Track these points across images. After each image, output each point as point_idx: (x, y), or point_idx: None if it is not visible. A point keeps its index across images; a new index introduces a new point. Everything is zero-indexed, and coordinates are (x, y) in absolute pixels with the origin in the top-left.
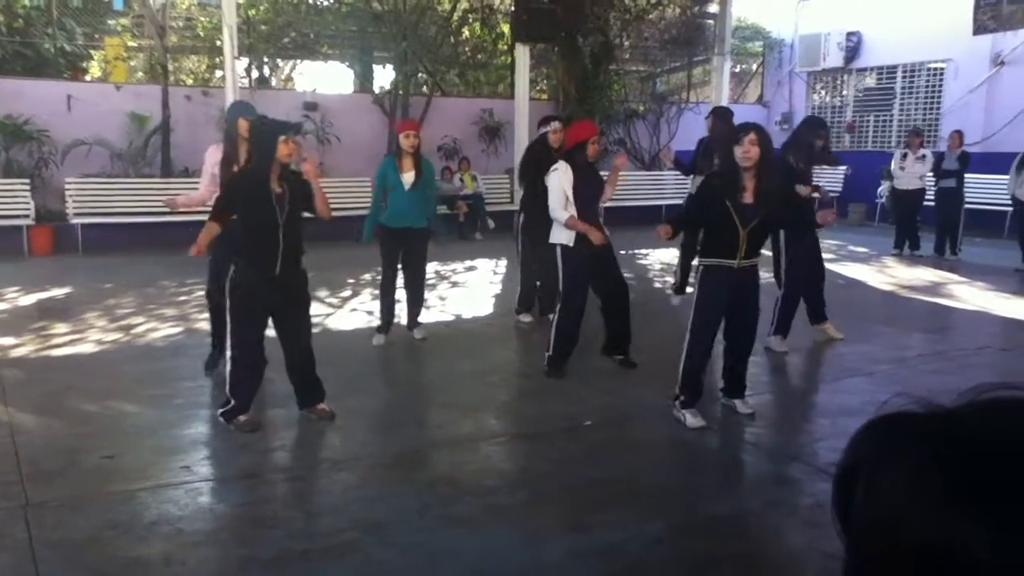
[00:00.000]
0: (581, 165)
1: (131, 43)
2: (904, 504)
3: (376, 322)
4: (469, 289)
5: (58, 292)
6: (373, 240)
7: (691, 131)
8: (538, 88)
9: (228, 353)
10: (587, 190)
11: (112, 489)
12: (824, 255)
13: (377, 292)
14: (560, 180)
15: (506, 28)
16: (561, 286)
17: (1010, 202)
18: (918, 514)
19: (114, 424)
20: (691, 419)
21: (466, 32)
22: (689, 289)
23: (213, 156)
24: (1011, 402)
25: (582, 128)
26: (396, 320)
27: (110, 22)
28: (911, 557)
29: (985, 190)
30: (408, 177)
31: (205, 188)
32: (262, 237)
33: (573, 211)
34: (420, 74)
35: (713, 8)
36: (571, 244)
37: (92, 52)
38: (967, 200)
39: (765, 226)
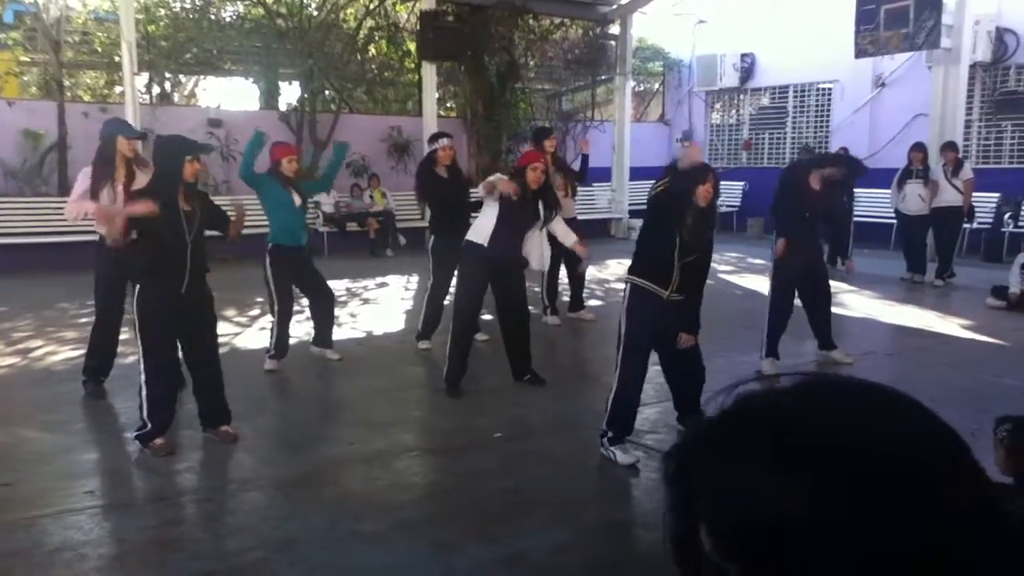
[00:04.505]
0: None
1: (23, 58)
2: (730, 477)
3: (265, 344)
4: (380, 306)
5: None
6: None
7: (597, 147)
8: (446, 106)
9: (142, 376)
10: (519, 217)
11: (10, 517)
12: (724, 267)
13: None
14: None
15: (412, 46)
16: (456, 289)
17: (893, 215)
18: (735, 484)
19: (11, 451)
20: (622, 456)
21: (372, 50)
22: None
23: (87, 182)
24: (813, 384)
25: (529, 155)
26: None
27: (0, 35)
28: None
29: (871, 204)
30: (296, 197)
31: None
32: (169, 254)
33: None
34: (327, 91)
35: (614, 30)
36: (482, 243)
37: None
38: (855, 213)
39: (698, 264)
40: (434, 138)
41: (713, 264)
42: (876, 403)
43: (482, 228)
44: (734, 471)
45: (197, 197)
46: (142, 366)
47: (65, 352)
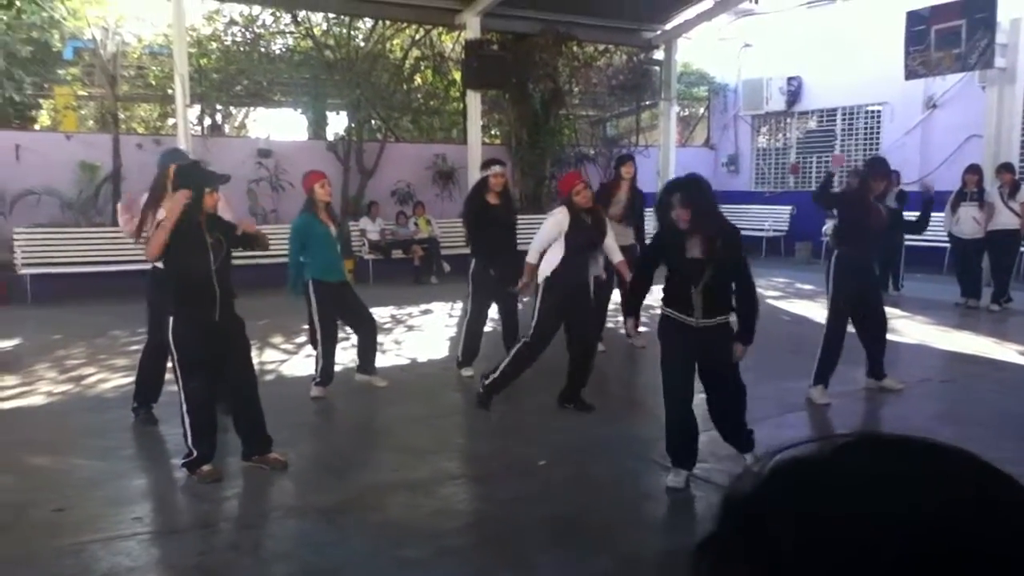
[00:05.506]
0: (576, 212)
1: (81, 92)
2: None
3: (310, 372)
4: (424, 333)
5: (6, 344)
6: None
7: (641, 173)
8: (491, 133)
9: (184, 406)
10: (577, 239)
11: (62, 543)
12: (771, 292)
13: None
14: (553, 223)
15: (458, 75)
16: (536, 317)
17: (947, 239)
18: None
19: (64, 477)
20: (672, 477)
21: (418, 79)
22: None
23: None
24: (866, 441)
25: (567, 179)
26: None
27: (60, 71)
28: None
29: None
30: (333, 228)
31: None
32: (197, 284)
33: (536, 260)
34: (373, 120)
35: (659, 55)
36: (555, 274)
37: (41, 102)
38: (906, 237)
39: (720, 285)
40: (487, 164)
41: (760, 289)
42: (928, 456)
43: (552, 262)
44: (785, 529)
45: (218, 225)
46: (182, 395)
47: (116, 379)
